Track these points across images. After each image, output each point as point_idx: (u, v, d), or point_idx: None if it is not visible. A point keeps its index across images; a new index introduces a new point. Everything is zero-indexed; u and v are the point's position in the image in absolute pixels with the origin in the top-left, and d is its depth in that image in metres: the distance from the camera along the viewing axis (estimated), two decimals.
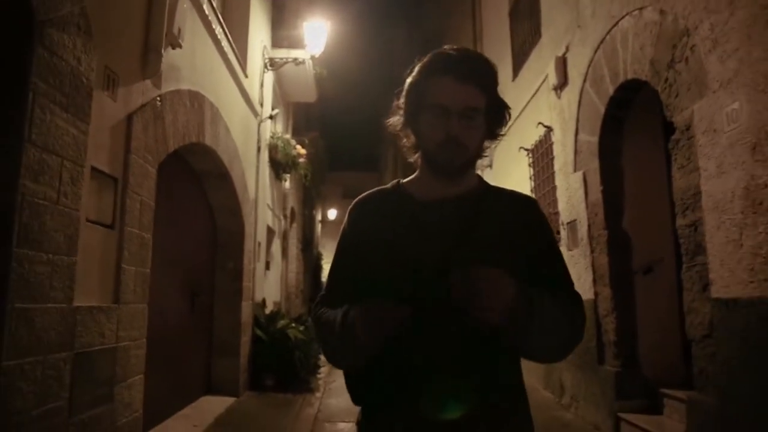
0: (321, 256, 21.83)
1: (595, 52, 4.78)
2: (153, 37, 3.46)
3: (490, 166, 8.21)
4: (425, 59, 1.26)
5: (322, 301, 1.30)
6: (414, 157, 1.31)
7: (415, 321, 1.07)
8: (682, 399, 3.78)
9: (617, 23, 4.37)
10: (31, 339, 2.22)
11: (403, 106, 1.28)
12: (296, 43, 8.38)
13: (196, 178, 5.53)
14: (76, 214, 2.57)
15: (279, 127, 9.05)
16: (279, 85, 8.97)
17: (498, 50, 8.32)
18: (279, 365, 6.57)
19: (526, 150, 6.68)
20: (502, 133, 1.29)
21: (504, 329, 1.06)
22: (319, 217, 23.05)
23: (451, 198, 1.23)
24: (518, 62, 7.45)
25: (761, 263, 2.76)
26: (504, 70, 8.11)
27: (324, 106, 17.25)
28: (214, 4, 5.05)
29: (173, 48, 3.81)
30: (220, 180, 5.63)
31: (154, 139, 3.56)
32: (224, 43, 5.37)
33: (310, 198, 16.92)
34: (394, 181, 1.37)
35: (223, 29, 5.39)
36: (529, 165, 6.69)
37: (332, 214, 25.45)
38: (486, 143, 1.26)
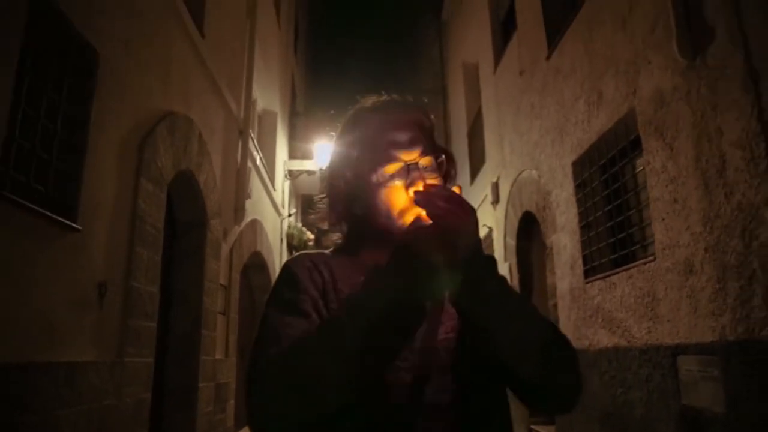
0: None
1: (512, 186, 7.34)
2: (239, 200, 5.96)
3: None
4: (346, 122, 1.06)
5: (280, 345, 0.83)
6: (334, 234, 1.08)
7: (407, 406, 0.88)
8: None
9: (521, 173, 6.95)
10: (205, 374, 4.59)
11: (331, 195, 1.04)
12: (307, 153, 10.99)
13: (245, 268, 7.95)
14: (216, 310, 4.99)
15: (289, 213, 11.53)
16: (292, 183, 11.52)
17: (460, 158, 10.96)
18: None
19: None
20: (453, 177, 1.05)
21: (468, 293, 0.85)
22: None
23: None
24: (474, 171, 10.05)
25: (572, 329, 5.20)
26: (464, 176, 10.73)
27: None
28: (261, 155, 7.61)
29: (246, 199, 6.32)
30: (261, 269, 8.06)
31: (239, 258, 6.02)
32: (264, 175, 7.89)
33: None
34: (333, 247, 1.09)
35: (264, 165, 7.92)
36: None
37: None
38: None
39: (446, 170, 1.02)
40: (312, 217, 1.12)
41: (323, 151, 10.31)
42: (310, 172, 10.39)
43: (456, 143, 11.74)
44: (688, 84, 3.37)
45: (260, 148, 8.01)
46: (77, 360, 2.62)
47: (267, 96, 8.98)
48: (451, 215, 0.82)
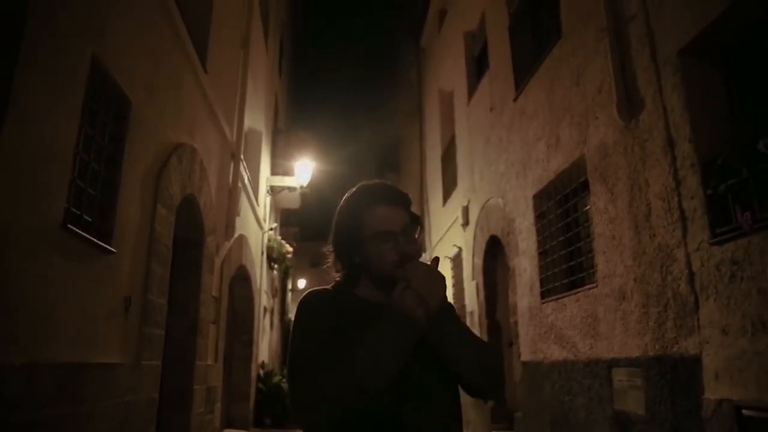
0: (291, 322, 24.36)
1: (481, 210, 7.99)
2: (230, 217, 6.45)
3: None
4: (357, 200, 1.46)
5: (314, 372, 1.28)
6: (338, 276, 1.49)
7: (398, 404, 1.29)
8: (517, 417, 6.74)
9: (489, 200, 7.60)
10: (198, 377, 5.06)
11: (337, 247, 1.47)
12: (288, 170, 11.48)
13: (231, 280, 8.40)
14: (209, 319, 5.47)
15: (271, 227, 11.99)
16: (273, 198, 12.00)
17: (434, 180, 11.64)
18: (275, 409, 9.26)
19: (450, 258, 9.82)
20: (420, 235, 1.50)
21: (437, 336, 1.32)
22: (289, 286, 25.72)
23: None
24: (447, 194, 10.69)
25: (530, 344, 5.83)
26: (436, 197, 11.40)
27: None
28: (248, 174, 8.10)
29: (236, 217, 6.81)
30: (244, 281, 8.52)
31: (228, 270, 6.50)
32: (250, 191, 8.38)
33: (285, 272, 19.69)
34: (333, 283, 1.50)
35: (249, 182, 8.40)
36: (451, 269, 9.82)
37: (301, 283, 28.12)
38: None
39: (419, 233, 1.49)
40: (326, 266, 1.54)
41: (303, 169, 10.86)
42: (291, 189, 10.91)
43: (430, 164, 12.39)
44: (625, 141, 4.04)
45: (246, 167, 8.49)
46: (110, 362, 3.11)
47: (253, 116, 9.47)
48: (426, 283, 1.30)
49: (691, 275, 3.26)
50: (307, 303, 1.41)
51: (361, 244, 1.41)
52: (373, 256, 1.40)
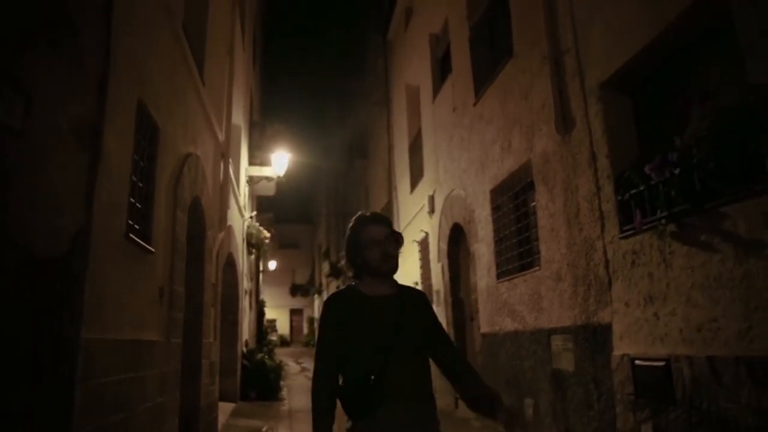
0: (264, 303, 25.04)
1: (445, 200, 8.90)
2: (222, 212, 7.18)
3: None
4: (355, 223, 2.21)
5: (322, 372, 2.07)
6: (351, 274, 2.23)
7: (383, 367, 1.96)
8: None
9: (452, 191, 8.50)
10: (204, 353, 5.85)
11: (347, 254, 2.23)
12: (265, 160, 12.14)
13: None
14: (210, 303, 6.24)
15: (250, 214, 12.67)
16: (251, 186, 12.65)
17: (402, 168, 12.49)
18: (259, 383, 10.11)
19: (417, 242, 10.75)
20: (401, 245, 2.19)
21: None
22: (261, 267, 26.32)
23: (387, 294, 2.13)
24: (414, 182, 11.55)
25: (488, 318, 6.81)
26: (404, 184, 12.27)
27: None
28: (233, 169, 8.79)
29: (227, 210, 7.53)
30: (230, 266, 9.26)
31: (222, 259, 7.26)
32: (234, 184, 9.07)
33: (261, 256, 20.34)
34: (348, 284, 2.23)
35: (233, 174, 9.08)
36: (419, 252, 10.75)
37: (272, 265, 28.76)
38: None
39: (399, 240, 2.22)
40: (340, 265, 2.62)
41: (279, 160, 11.55)
42: (269, 179, 11.60)
43: (398, 153, 13.23)
44: (562, 152, 4.97)
45: (231, 161, 9.16)
46: (153, 339, 3.89)
47: (235, 112, 10.10)
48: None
49: (607, 262, 4.22)
50: (327, 305, 2.18)
51: (361, 250, 2.17)
52: (367, 257, 2.15)
